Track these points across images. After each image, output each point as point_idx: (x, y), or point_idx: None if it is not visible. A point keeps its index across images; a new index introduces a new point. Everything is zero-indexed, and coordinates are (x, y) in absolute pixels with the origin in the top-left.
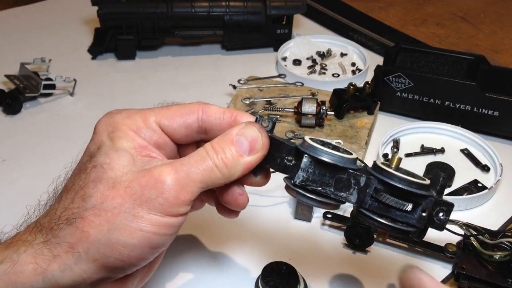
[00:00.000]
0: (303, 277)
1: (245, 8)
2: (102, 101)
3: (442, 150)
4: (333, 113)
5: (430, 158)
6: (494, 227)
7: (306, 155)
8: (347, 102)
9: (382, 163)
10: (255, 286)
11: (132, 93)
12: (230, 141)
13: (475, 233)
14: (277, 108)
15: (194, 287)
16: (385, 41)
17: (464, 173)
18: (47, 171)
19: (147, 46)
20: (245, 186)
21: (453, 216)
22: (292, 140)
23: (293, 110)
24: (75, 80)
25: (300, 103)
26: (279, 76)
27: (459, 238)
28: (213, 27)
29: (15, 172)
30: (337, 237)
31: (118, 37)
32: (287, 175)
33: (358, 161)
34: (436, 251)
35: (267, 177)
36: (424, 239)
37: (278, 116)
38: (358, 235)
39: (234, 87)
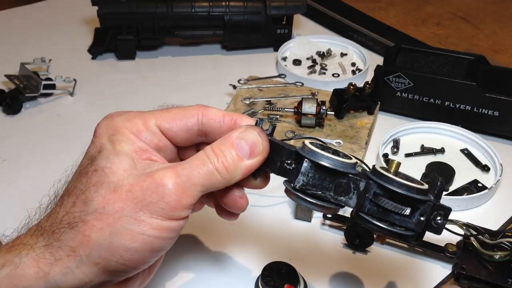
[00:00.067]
0: (303, 277)
1: (245, 8)
2: (102, 101)
3: (442, 150)
4: (333, 113)
5: (430, 158)
6: (494, 227)
7: (306, 159)
8: (347, 102)
9: (381, 168)
10: (255, 286)
11: (132, 93)
12: (230, 144)
13: (475, 233)
14: (277, 108)
15: (194, 287)
16: (385, 41)
17: (464, 173)
18: (47, 171)
19: (147, 46)
20: (244, 188)
21: (453, 216)
22: (292, 140)
23: (293, 110)
24: (75, 80)
25: (300, 103)
26: (279, 76)
27: (459, 238)
28: (213, 27)
29: (15, 172)
30: (337, 237)
31: (118, 37)
32: (287, 179)
33: (359, 163)
34: (436, 251)
35: (266, 180)
36: (424, 239)
37: (278, 116)
38: (358, 235)
39: (234, 87)
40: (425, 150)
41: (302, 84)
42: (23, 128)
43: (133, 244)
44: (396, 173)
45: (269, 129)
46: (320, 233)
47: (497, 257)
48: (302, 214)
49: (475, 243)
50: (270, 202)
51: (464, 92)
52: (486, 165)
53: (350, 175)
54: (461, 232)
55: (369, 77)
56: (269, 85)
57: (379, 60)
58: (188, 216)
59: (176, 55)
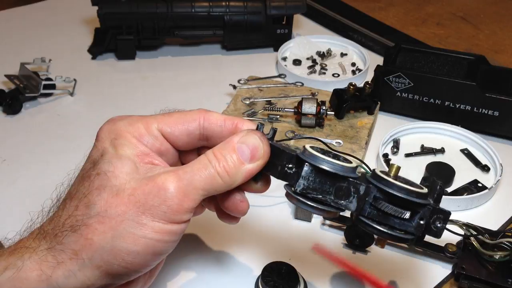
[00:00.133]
0: (303, 277)
1: (245, 8)
2: (102, 101)
3: (442, 150)
4: (333, 113)
5: (430, 158)
6: (494, 227)
7: (307, 163)
8: (347, 102)
9: (381, 172)
10: (255, 286)
11: (132, 93)
12: (231, 148)
13: (475, 233)
14: (277, 108)
15: (194, 286)
16: (385, 41)
17: (464, 173)
18: (47, 171)
19: (147, 46)
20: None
21: (453, 216)
22: (292, 140)
23: (293, 110)
24: (75, 80)
25: (300, 103)
26: (279, 76)
27: (459, 238)
28: (213, 27)
29: (15, 172)
30: (337, 237)
31: (118, 37)
32: (287, 183)
33: (360, 167)
34: (436, 251)
35: (267, 184)
36: (424, 239)
37: (278, 116)
38: (358, 235)
39: (234, 87)
40: (425, 150)
41: (302, 84)
42: (23, 128)
43: (135, 247)
44: (396, 177)
45: (270, 134)
46: (320, 233)
47: (497, 257)
48: (302, 214)
49: (475, 243)
50: (270, 202)
51: (464, 92)
52: (486, 165)
53: (350, 179)
54: (461, 232)
55: (369, 77)
56: (269, 85)
57: (379, 60)
58: (190, 219)
59: (176, 55)
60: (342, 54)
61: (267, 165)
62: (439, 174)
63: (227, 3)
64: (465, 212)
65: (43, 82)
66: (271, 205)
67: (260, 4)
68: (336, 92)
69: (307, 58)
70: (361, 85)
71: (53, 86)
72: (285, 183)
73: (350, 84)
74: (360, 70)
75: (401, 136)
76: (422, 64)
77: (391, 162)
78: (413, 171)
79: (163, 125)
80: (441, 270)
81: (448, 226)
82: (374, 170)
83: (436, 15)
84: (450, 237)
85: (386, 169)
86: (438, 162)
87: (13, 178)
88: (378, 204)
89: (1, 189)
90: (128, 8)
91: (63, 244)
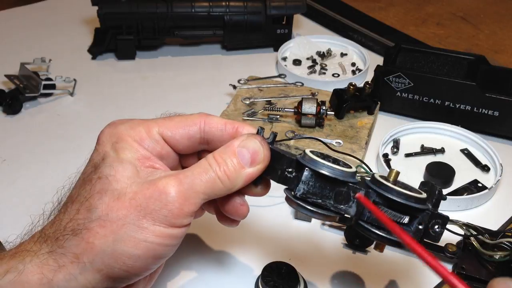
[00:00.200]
0: (303, 277)
1: (245, 8)
2: (102, 101)
3: (442, 150)
4: (333, 113)
5: (430, 158)
6: (494, 227)
7: (307, 168)
8: (347, 102)
9: (381, 177)
10: (255, 286)
11: (132, 93)
12: (232, 152)
13: (475, 233)
14: (277, 108)
15: (194, 286)
16: (385, 41)
17: (464, 173)
18: (47, 171)
19: (147, 46)
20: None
21: (453, 216)
22: (292, 140)
23: (293, 110)
24: (75, 80)
25: (300, 103)
26: (279, 76)
27: (459, 238)
28: (213, 27)
29: (15, 172)
30: (337, 237)
31: (118, 37)
32: (287, 187)
33: (359, 172)
34: (436, 251)
35: (267, 188)
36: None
37: (278, 116)
38: (358, 235)
39: (234, 87)
40: (425, 150)
41: (302, 84)
42: (23, 128)
43: (136, 251)
44: (395, 182)
45: (270, 138)
46: (320, 233)
47: (497, 257)
48: (302, 214)
49: (475, 243)
50: (270, 202)
51: (464, 92)
52: (486, 165)
53: (350, 184)
54: (461, 232)
55: (369, 77)
56: (269, 85)
57: (379, 60)
58: (190, 223)
59: (176, 55)
60: (342, 54)
61: (267, 169)
62: (439, 174)
63: (227, 3)
64: (465, 212)
65: (43, 82)
66: (271, 205)
67: (260, 4)
68: (336, 92)
69: (307, 58)
70: (361, 85)
71: (53, 86)
72: (285, 187)
73: (350, 84)
74: (360, 70)
75: (401, 136)
76: (422, 64)
77: (391, 162)
78: (413, 171)
79: (164, 129)
80: None
81: (448, 226)
82: (373, 174)
83: (436, 15)
84: (450, 237)
85: (386, 169)
86: (438, 162)
87: (13, 178)
88: None
89: (1, 189)
90: (128, 8)
91: (64, 247)
